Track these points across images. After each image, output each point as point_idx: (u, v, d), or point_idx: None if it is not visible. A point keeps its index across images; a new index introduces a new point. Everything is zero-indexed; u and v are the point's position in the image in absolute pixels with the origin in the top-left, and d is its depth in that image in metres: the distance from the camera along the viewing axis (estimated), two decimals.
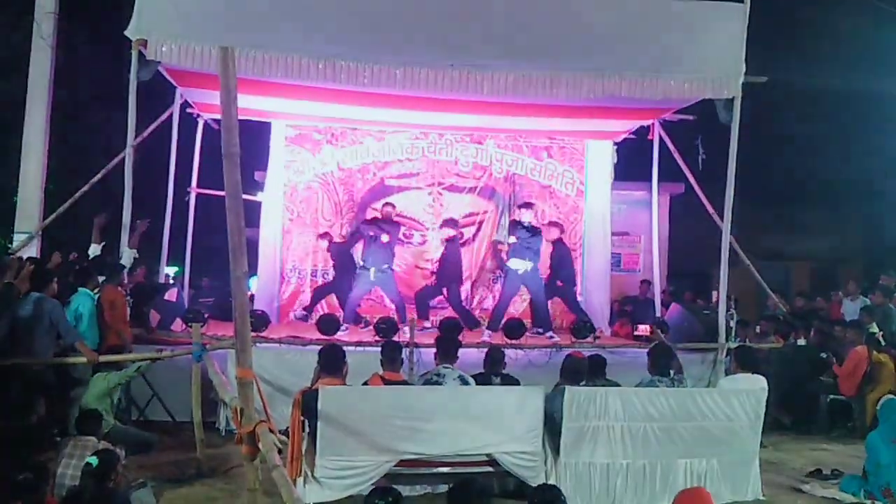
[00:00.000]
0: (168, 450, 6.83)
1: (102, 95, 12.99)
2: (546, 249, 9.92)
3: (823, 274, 17.74)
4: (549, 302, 9.94)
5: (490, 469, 5.55)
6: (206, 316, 8.75)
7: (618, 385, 6.23)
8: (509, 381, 6.27)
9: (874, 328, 9.28)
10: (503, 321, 9.20)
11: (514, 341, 8.58)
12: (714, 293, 10.55)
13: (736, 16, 8.28)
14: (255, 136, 10.74)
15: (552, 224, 10.33)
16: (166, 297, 9.10)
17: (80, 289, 7.19)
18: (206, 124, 10.84)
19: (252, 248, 9.49)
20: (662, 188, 11.56)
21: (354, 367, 5.70)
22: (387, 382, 5.63)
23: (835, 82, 15.09)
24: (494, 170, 11.37)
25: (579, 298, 11.24)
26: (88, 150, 13.28)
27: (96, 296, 7.28)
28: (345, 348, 5.89)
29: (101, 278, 7.49)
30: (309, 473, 5.16)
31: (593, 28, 8.20)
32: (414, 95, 8.50)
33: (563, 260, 10.10)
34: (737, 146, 8.51)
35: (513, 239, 9.52)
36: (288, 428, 5.15)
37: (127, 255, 8.23)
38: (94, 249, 8.31)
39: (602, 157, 11.48)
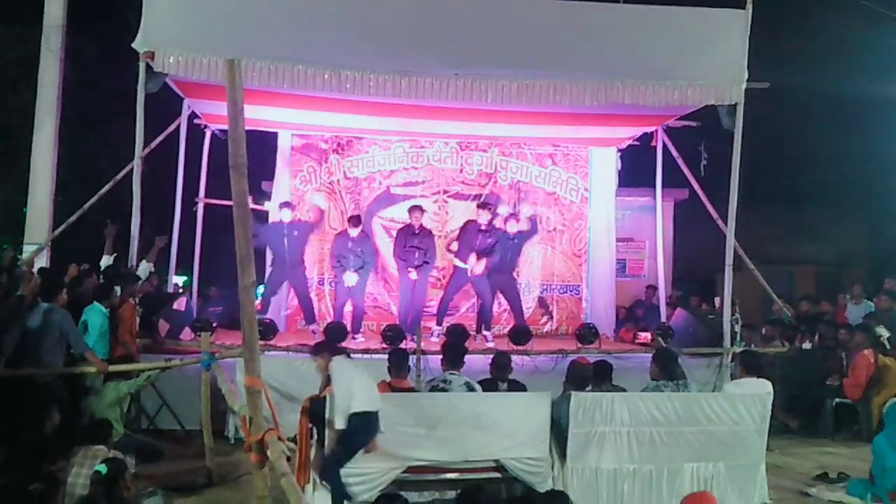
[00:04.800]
0: (178, 458, 6.88)
1: (110, 107, 13.05)
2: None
3: (828, 278, 17.68)
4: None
5: (497, 475, 5.55)
6: (214, 325, 8.77)
7: (624, 390, 6.25)
8: (516, 386, 6.29)
9: (881, 331, 9.28)
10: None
11: (520, 347, 8.62)
12: (717, 298, 10.56)
13: (738, 22, 8.36)
14: (262, 145, 10.80)
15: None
16: (175, 306, 9.14)
17: (94, 302, 7.19)
18: (213, 135, 10.92)
19: (260, 257, 9.54)
20: (666, 194, 11.59)
21: None
22: (394, 389, 5.65)
23: (838, 87, 15.11)
24: (499, 177, 11.40)
25: (584, 304, 11.28)
26: (97, 161, 13.38)
27: (108, 312, 7.27)
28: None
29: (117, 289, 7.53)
30: (317, 481, 5.19)
31: (596, 36, 8.26)
32: (419, 104, 8.57)
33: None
34: (740, 151, 8.56)
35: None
36: (296, 435, 5.18)
37: (143, 269, 8.28)
38: (107, 260, 8.35)
39: (606, 163, 11.52)
